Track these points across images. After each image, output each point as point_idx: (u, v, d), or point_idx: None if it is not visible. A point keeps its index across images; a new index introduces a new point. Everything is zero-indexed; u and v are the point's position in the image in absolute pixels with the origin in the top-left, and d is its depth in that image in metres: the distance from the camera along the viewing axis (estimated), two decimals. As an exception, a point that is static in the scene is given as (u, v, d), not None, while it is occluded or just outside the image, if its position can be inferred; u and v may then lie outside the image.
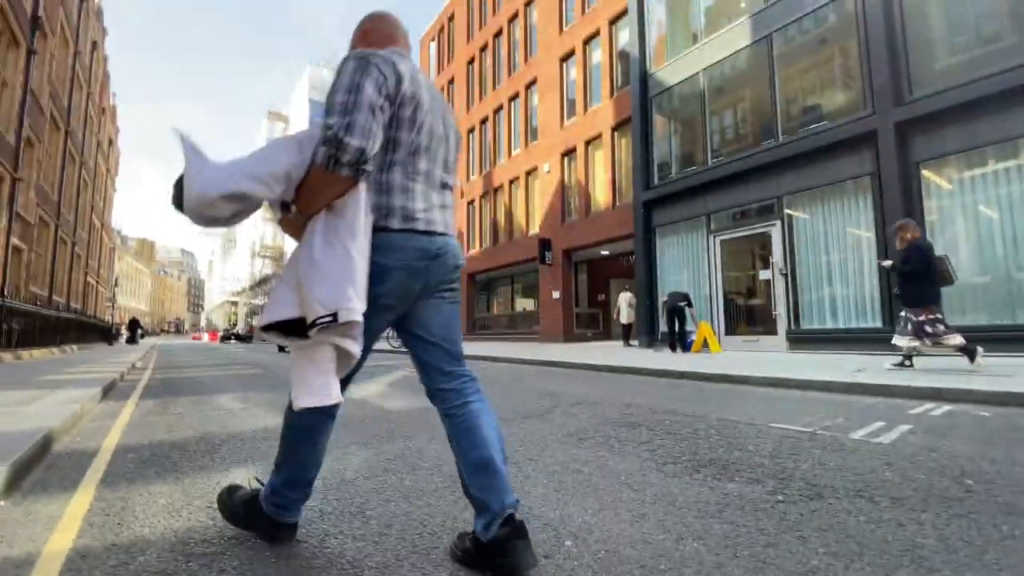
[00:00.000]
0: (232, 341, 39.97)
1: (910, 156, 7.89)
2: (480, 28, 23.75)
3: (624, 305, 13.28)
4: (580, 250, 17.61)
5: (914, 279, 5.43)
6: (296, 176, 1.34)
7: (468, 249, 23.51)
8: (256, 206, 1.37)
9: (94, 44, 24.98)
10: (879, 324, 8.03)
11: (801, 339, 9.08)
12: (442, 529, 1.64)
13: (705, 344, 9.84)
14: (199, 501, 1.94)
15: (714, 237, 10.80)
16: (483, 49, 23.41)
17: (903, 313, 5.54)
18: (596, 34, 16.76)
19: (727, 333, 10.47)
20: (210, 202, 1.30)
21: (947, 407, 3.70)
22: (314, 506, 1.86)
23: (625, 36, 15.31)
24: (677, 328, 10.00)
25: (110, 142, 34.51)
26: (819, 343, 8.78)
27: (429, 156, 1.47)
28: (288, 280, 1.35)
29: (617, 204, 15.47)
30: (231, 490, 1.67)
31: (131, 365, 8.96)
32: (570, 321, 17.89)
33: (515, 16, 21.26)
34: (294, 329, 1.33)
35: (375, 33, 1.56)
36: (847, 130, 8.46)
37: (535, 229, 19.26)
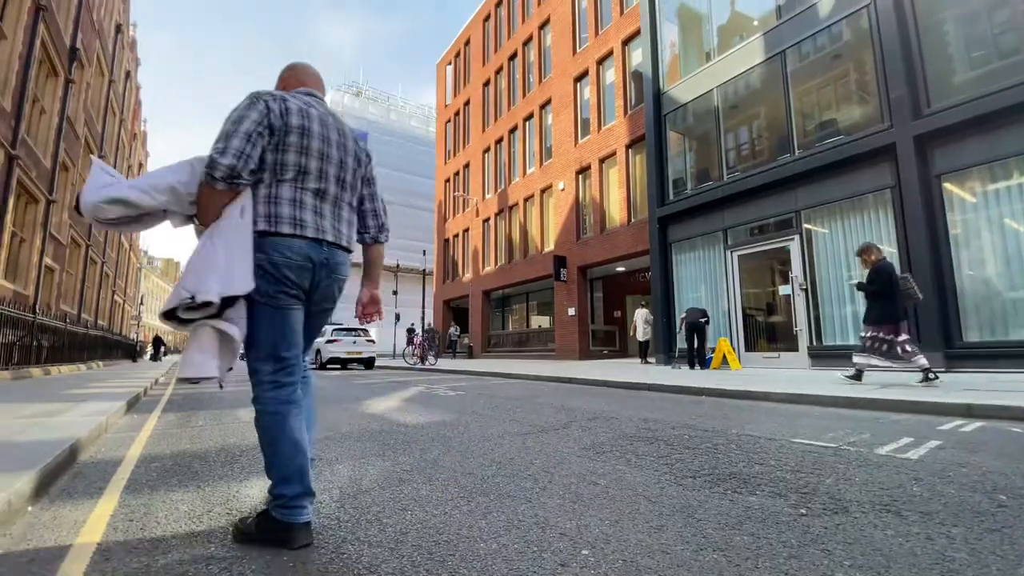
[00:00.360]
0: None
1: (931, 169, 7.76)
2: (495, 51, 24.29)
3: (640, 322, 13.16)
4: (595, 267, 17.58)
5: (879, 299, 5.75)
6: (184, 190, 1.63)
7: (483, 267, 23.65)
8: (143, 209, 1.63)
9: (127, 73, 26.16)
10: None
11: (824, 355, 8.87)
12: (457, 537, 1.63)
13: (724, 361, 9.67)
14: (219, 508, 1.97)
15: (731, 252, 10.70)
16: (498, 71, 23.89)
17: (866, 332, 5.87)
18: (609, 54, 17.00)
19: (747, 350, 10.28)
20: (96, 204, 1.58)
21: (978, 423, 3.57)
22: (331, 513, 1.87)
23: (638, 56, 15.51)
24: (696, 345, 9.86)
25: (140, 166, 35.84)
26: (843, 360, 8.53)
27: (321, 176, 1.73)
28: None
29: (632, 220, 15.46)
30: (243, 519, 1.71)
31: (154, 380, 9.15)
32: (586, 338, 17.78)
33: (529, 39, 21.72)
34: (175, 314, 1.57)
35: (289, 79, 1.90)
36: (864, 143, 8.39)
37: (550, 246, 19.32)
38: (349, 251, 1.85)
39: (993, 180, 7.23)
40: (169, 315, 1.58)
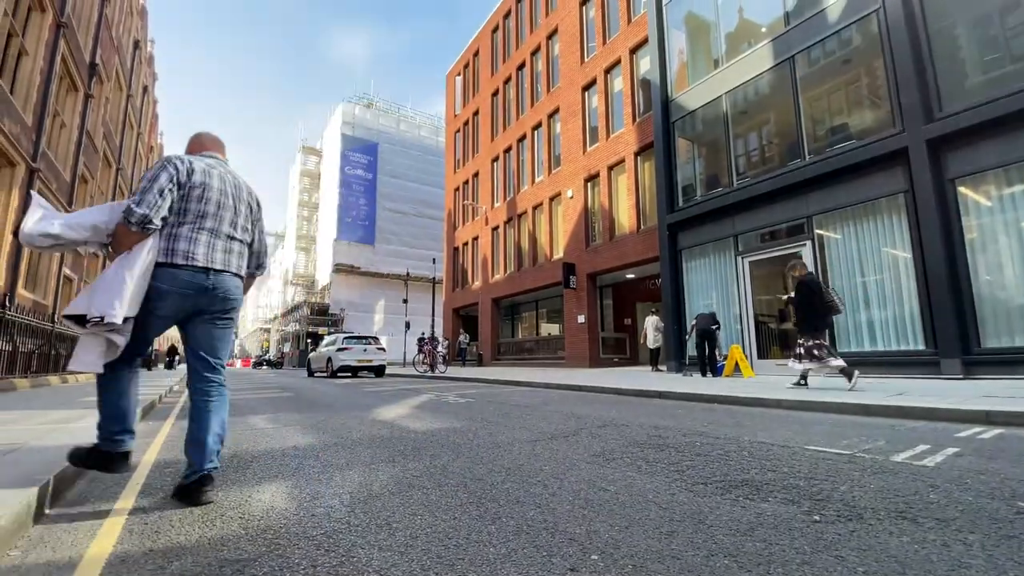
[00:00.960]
0: (264, 367, 40.85)
1: (944, 173, 7.67)
2: (504, 61, 24.52)
3: (651, 329, 13.06)
4: (605, 274, 17.54)
5: (805, 310, 6.36)
6: (105, 228, 2.09)
7: (493, 275, 23.70)
8: (69, 241, 2.08)
9: (145, 88, 26.77)
10: (921, 346, 7.69)
11: (837, 363, 8.73)
12: (467, 542, 1.64)
13: (737, 368, 9.57)
14: (232, 512, 1.99)
15: (742, 259, 10.62)
16: (507, 81, 24.09)
17: (803, 342, 6.42)
18: (617, 63, 17.08)
19: (759, 357, 10.16)
20: (32, 235, 2.00)
21: (997, 430, 3.50)
22: (342, 518, 1.89)
23: (646, 64, 15.57)
24: (708, 352, 9.78)
25: (155, 178, 36.50)
26: (857, 366, 8.40)
27: (215, 219, 2.22)
28: (88, 289, 1.99)
29: (641, 227, 15.43)
30: (79, 447, 2.16)
31: (169, 388, 9.26)
32: (596, 346, 17.69)
33: (537, 49, 21.90)
34: (82, 321, 1.94)
35: (195, 145, 2.44)
36: (876, 148, 8.31)
37: (559, 254, 19.32)
38: (239, 276, 2.35)
39: (1009, 184, 7.13)
40: (71, 319, 1.96)
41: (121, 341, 2.01)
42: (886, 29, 8.46)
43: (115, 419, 2.11)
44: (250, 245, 2.45)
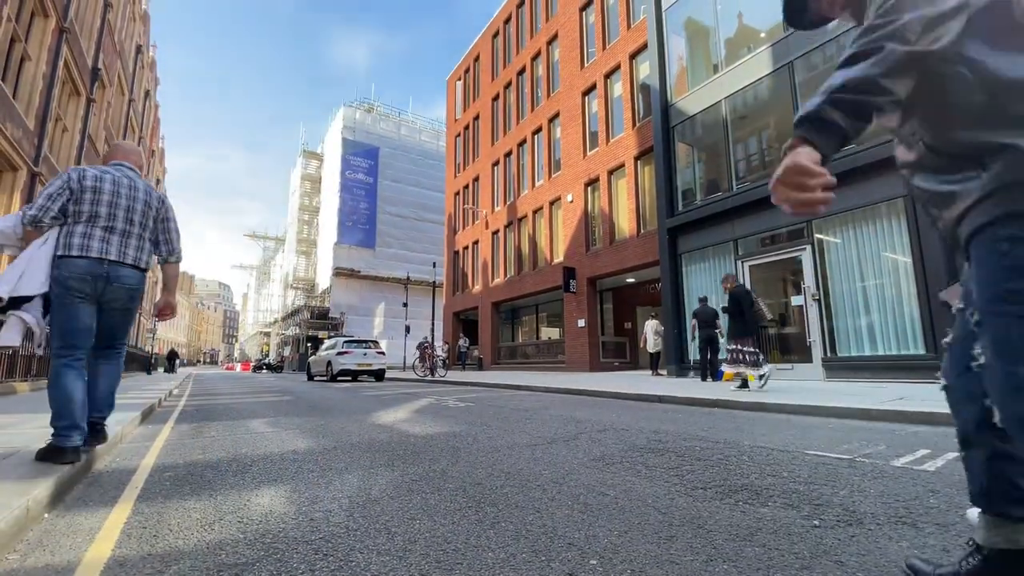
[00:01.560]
0: (264, 371, 40.81)
1: (944, 177, 7.68)
2: (504, 66, 24.62)
3: (651, 333, 13.06)
4: (605, 278, 17.54)
5: (735, 318, 7.18)
6: (12, 232, 2.58)
7: (493, 278, 23.71)
8: (4, 239, 2.60)
9: (147, 92, 26.89)
10: (921, 351, 7.68)
11: (838, 367, 8.74)
12: (466, 546, 1.63)
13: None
14: (230, 516, 1.98)
15: (742, 263, 10.63)
16: (507, 86, 24.18)
17: (730, 345, 7.18)
18: (617, 68, 17.15)
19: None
20: None
21: (998, 435, 3.48)
22: (340, 522, 1.88)
23: (645, 69, 15.63)
24: (709, 356, 9.75)
25: (157, 181, 36.63)
26: (857, 371, 8.43)
27: (108, 218, 2.62)
28: None
29: (641, 232, 15.45)
30: (42, 447, 2.51)
31: (168, 392, 9.25)
32: (596, 350, 17.68)
33: (538, 54, 21.99)
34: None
35: (108, 156, 2.90)
36: (876, 152, 8.34)
37: (559, 258, 19.33)
38: (136, 267, 2.71)
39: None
40: None
41: (30, 319, 2.48)
42: (885, 34, 8.50)
43: (59, 415, 2.44)
44: (155, 237, 2.86)
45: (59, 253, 2.48)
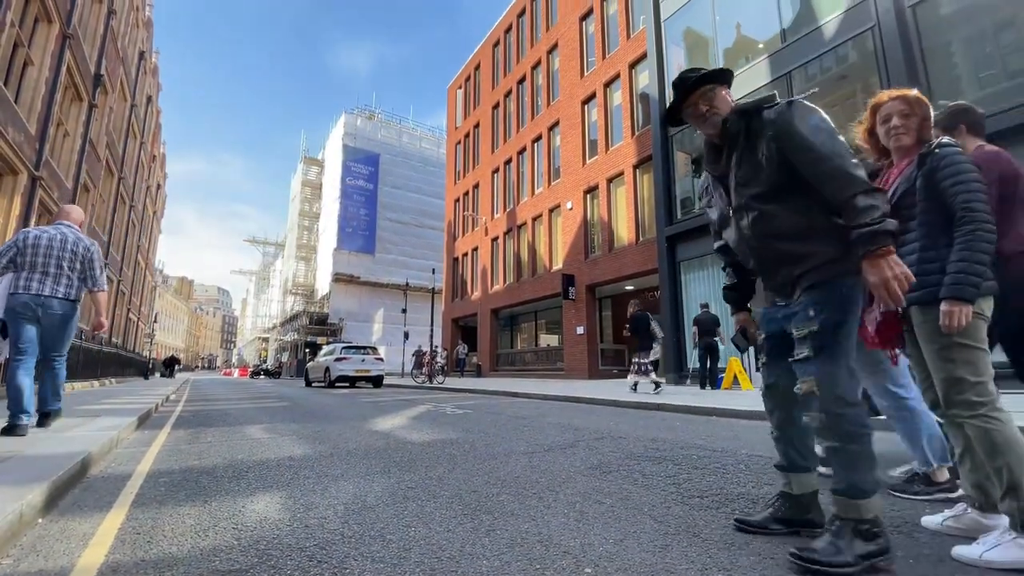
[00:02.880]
0: (262, 377, 40.67)
1: (941, 188, 7.73)
2: (505, 75, 24.80)
3: (650, 341, 13.05)
4: (604, 285, 17.56)
5: (637, 336, 8.80)
6: None
7: (492, 285, 23.72)
8: None
9: (149, 98, 27.02)
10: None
11: (836, 376, 8.72)
12: (460, 554, 1.63)
13: (735, 381, 9.55)
14: (225, 523, 1.98)
15: (740, 271, 10.63)
16: (507, 94, 24.34)
17: (634, 359, 8.80)
18: (616, 77, 17.27)
19: (758, 370, 10.12)
20: None
21: (996, 445, 3.48)
22: (335, 529, 1.88)
23: (645, 78, 15.74)
24: (709, 364, 9.74)
25: (158, 186, 36.72)
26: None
27: (44, 264, 3.63)
28: None
29: (640, 239, 15.49)
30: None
31: (165, 398, 9.22)
32: (595, 357, 17.66)
33: (538, 63, 22.16)
34: None
35: (56, 216, 3.99)
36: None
37: (558, 265, 19.36)
38: (65, 299, 3.70)
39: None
40: None
41: None
42: (881, 46, 8.59)
43: (15, 402, 3.41)
44: (82, 275, 3.82)
45: (11, 291, 3.54)
